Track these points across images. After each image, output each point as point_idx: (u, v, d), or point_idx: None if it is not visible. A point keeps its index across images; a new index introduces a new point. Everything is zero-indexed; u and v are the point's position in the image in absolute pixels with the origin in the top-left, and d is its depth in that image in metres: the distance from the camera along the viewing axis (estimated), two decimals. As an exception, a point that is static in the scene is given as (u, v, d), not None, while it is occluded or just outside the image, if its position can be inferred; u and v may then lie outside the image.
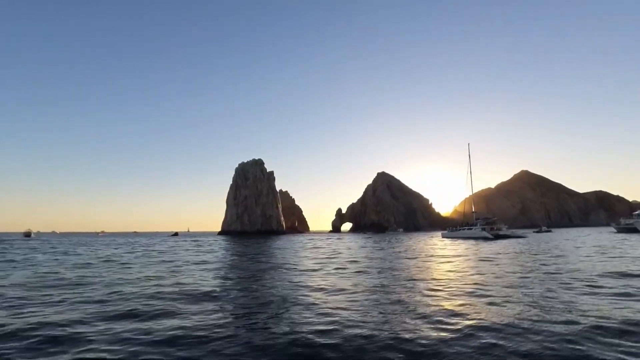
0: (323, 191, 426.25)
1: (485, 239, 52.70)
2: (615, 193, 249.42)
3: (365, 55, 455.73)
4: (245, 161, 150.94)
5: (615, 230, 78.63)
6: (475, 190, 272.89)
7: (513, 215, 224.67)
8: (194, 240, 68.78)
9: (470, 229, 59.66)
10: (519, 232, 60.35)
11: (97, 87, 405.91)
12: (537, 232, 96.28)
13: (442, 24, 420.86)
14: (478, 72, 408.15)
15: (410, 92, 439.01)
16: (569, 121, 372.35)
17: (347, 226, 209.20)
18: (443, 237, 66.59)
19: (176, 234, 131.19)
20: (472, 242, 46.36)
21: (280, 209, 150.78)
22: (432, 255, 24.71)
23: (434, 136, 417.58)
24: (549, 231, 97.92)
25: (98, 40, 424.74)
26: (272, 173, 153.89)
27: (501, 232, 56.14)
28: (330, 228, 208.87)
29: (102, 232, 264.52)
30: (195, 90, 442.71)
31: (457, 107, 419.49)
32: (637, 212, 77.53)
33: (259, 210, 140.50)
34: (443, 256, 24.00)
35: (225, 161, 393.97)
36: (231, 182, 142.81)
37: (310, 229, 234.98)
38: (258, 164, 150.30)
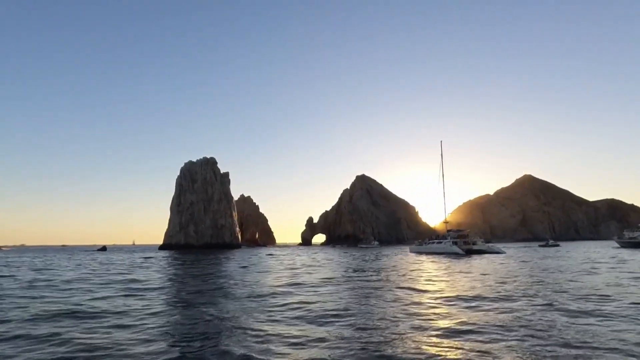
0: (294, 197, 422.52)
1: (456, 254, 50.66)
2: (629, 202, 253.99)
3: (343, 47, 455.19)
4: (194, 160, 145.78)
5: (618, 245, 77.81)
6: (472, 198, 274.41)
7: (512, 226, 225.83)
8: (107, 257, 63.60)
9: (440, 242, 57.85)
10: (497, 246, 58.33)
11: (10, 77, 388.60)
12: (543, 246, 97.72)
13: (439, 15, 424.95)
14: (478, 67, 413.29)
15: (399, 86, 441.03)
16: (579, 121, 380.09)
17: (320, 238, 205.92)
18: (410, 251, 65.47)
19: (104, 248, 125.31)
20: (438, 258, 43.77)
21: (235, 218, 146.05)
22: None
23: (426, 136, 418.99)
24: (557, 245, 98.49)
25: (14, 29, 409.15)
26: (226, 175, 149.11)
27: (475, 247, 54.26)
28: (300, 240, 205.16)
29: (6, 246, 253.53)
30: (139, 78, 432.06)
31: (454, 104, 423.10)
32: (644, 223, 76.94)
33: (208, 220, 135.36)
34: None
35: (179, 162, 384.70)
36: (175, 186, 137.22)
37: (278, 241, 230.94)
38: (209, 163, 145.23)
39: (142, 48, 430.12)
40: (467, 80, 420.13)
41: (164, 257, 63.02)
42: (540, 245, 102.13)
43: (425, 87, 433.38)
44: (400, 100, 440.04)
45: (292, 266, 34.97)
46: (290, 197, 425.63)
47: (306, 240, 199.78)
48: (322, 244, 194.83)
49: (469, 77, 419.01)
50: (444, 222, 70.40)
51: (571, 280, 19.46)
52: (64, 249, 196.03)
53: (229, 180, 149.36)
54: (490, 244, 59.00)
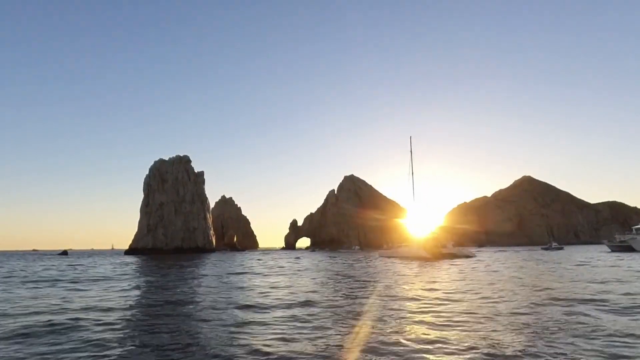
0: (279, 199, 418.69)
1: (422, 259, 48.56)
2: (632, 204, 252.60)
3: (329, 42, 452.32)
4: (166, 159, 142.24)
5: (609, 249, 75.17)
6: (468, 200, 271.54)
7: (509, 230, 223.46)
8: (48, 264, 59.89)
9: (407, 246, 56.27)
10: (467, 250, 55.88)
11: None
12: (546, 249, 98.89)
13: (437, 10, 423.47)
14: (475, 64, 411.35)
15: (393, 83, 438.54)
16: (581, 120, 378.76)
17: (305, 242, 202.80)
18: (379, 256, 64.89)
19: (65, 252, 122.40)
20: (400, 263, 41.57)
21: (209, 220, 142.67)
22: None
23: (422, 136, 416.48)
24: (561, 248, 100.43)
25: None
26: (201, 174, 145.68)
27: (445, 251, 51.81)
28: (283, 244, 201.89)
29: None
30: (114, 71, 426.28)
31: (452, 103, 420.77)
32: (637, 227, 74.54)
33: (179, 222, 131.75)
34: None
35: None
36: (143, 186, 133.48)
37: (261, 245, 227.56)
38: (182, 162, 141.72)
39: (107, 36, 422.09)
40: (464, 78, 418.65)
41: (131, 265, 57.67)
42: (543, 249, 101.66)
43: (421, 85, 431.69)
44: (395, 97, 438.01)
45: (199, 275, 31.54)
46: (276, 199, 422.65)
47: (290, 244, 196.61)
48: (307, 248, 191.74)
49: (466, 74, 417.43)
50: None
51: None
52: (32, 253, 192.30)
53: (204, 180, 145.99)
54: (461, 248, 56.75)
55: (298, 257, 72.25)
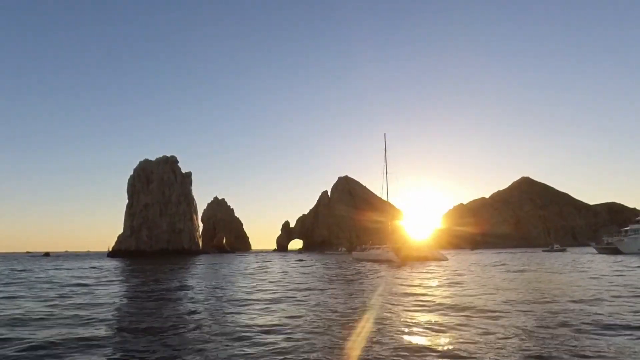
0: (274, 200, 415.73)
1: (392, 262, 47.16)
2: (631, 206, 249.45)
3: (322, 40, 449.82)
4: (153, 159, 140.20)
5: (596, 252, 72.81)
6: (466, 201, 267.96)
7: (506, 231, 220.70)
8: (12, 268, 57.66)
9: (379, 248, 54.70)
10: (439, 253, 53.46)
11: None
12: (547, 251, 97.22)
13: (442, 12, 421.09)
14: (473, 64, 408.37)
15: (390, 81, 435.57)
16: (579, 120, 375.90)
17: (298, 243, 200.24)
18: (353, 258, 66.22)
19: (47, 254, 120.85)
20: (368, 266, 40.61)
21: (196, 221, 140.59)
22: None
23: (419, 136, 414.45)
24: (563, 250, 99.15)
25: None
26: (188, 175, 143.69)
27: (415, 254, 50.98)
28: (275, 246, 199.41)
29: None
30: (99, 66, 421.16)
31: (450, 103, 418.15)
32: (626, 228, 72.43)
33: (164, 223, 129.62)
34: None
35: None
36: (127, 186, 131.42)
37: (254, 246, 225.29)
38: (169, 162, 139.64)
39: (92, 34, 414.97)
40: (462, 79, 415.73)
41: (103, 269, 53.72)
42: (543, 250, 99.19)
43: (420, 85, 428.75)
44: (393, 97, 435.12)
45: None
46: (270, 200, 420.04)
47: (282, 246, 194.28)
48: (299, 250, 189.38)
49: (464, 74, 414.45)
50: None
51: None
52: (24, 256, 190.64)
53: (191, 180, 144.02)
54: (434, 251, 54.50)
55: (275, 261, 70.02)
